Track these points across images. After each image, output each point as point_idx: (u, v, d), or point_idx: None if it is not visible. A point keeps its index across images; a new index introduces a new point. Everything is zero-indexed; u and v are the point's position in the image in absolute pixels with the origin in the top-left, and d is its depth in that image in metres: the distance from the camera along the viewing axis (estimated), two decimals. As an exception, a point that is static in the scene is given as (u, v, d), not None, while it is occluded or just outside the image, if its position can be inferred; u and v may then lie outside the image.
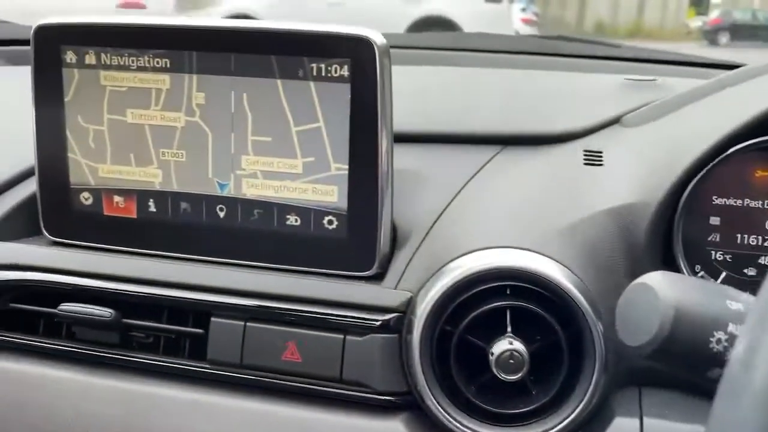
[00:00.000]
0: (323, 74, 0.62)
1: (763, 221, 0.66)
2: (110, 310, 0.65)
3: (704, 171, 0.64)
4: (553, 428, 0.58)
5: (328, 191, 0.64)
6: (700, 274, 0.67)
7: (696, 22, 17.69)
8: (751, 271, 0.66)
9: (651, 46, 1.53)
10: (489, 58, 1.14)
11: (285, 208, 0.66)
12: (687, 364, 0.42)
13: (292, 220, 0.66)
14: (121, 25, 0.66)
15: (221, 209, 0.67)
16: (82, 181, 0.70)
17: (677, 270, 0.66)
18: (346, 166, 0.63)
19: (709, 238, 0.67)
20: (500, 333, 0.59)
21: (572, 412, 0.58)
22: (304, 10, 6.33)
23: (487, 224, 0.66)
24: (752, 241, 0.66)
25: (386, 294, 0.62)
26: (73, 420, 0.65)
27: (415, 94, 0.86)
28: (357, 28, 0.61)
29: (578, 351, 0.59)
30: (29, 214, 0.73)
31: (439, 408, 0.59)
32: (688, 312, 0.41)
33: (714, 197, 0.67)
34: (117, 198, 0.69)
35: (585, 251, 0.62)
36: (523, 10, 9.90)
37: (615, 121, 0.79)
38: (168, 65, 0.65)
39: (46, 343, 0.68)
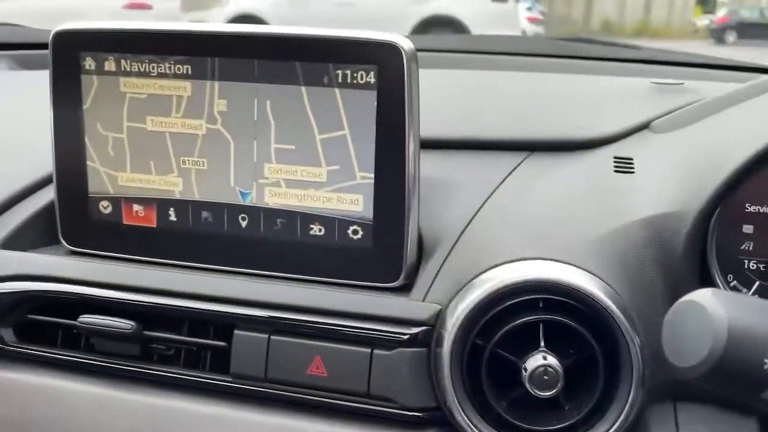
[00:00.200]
0: (349, 81, 0.61)
1: None
2: (131, 322, 0.64)
3: (749, 179, 0.62)
4: None
5: (353, 200, 0.63)
6: (732, 284, 0.65)
7: (703, 21, 17.66)
8: None
9: (657, 46, 1.51)
10: (504, 61, 1.12)
11: (308, 218, 0.64)
12: (739, 386, 0.40)
13: (316, 229, 0.64)
14: (142, 31, 0.65)
15: (243, 218, 0.66)
16: (101, 190, 0.68)
17: (711, 281, 0.64)
18: (372, 175, 0.62)
19: (742, 247, 0.65)
20: (532, 347, 0.57)
21: (608, 430, 0.57)
22: (310, 9, 6.32)
23: (516, 234, 0.64)
24: None
25: (415, 306, 0.61)
26: None
27: (434, 98, 0.84)
28: (384, 34, 0.60)
29: (613, 366, 0.57)
30: (47, 223, 0.71)
31: (470, 424, 0.57)
32: (741, 332, 0.39)
33: (747, 205, 0.65)
34: (137, 207, 0.68)
35: (618, 262, 0.61)
36: (529, 8, 9.89)
37: (643, 127, 0.78)
38: (189, 72, 0.64)
39: (64, 355, 0.67)
